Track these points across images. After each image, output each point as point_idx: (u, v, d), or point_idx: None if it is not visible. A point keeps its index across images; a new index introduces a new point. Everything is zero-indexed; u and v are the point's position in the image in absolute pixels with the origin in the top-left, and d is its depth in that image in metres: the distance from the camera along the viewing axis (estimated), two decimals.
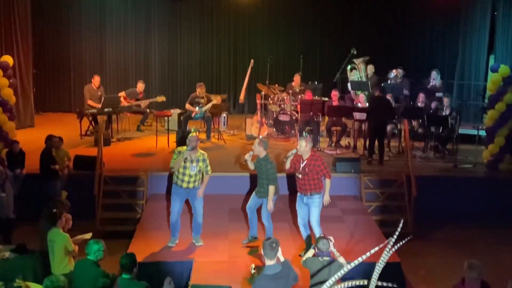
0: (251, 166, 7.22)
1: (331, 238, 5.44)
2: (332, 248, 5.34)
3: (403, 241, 3.25)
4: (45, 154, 8.69)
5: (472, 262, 4.84)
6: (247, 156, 7.04)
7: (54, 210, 6.04)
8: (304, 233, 7.21)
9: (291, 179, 8.58)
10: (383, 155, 10.21)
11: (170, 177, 9.09)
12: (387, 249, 3.14)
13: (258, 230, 7.53)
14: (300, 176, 6.90)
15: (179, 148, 7.14)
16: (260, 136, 7.19)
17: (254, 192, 7.32)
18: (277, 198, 7.19)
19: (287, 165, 7.05)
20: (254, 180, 8.10)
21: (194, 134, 7.18)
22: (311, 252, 5.46)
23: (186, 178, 7.02)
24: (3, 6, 11.74)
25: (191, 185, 7.06)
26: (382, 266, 3.10)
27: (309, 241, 6.95)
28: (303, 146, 6.80)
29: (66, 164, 9.06)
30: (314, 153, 6.96)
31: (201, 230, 7.44)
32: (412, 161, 9.25)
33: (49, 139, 8.82)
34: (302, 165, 6.84)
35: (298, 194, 7.06)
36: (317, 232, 6.92)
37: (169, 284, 4.73)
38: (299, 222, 7.16)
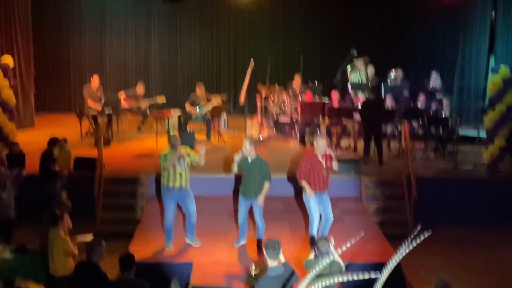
0: (235, 168, 7.10)
1: (331, 239, 5.43)
2: (332, 248, 5.34)
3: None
4: (46, 154, 8.68)
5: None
6: (237, 157, 6.98)
7: (56, 211, 6.05)
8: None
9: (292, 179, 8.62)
10: (382, 155, 10.20)
11: None
12: (400, 252, 3.02)
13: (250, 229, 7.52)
14: (325, 174, 7.00)
15: (163, 152, 7.18)
16: (246, 136, 7.14)
17: (243, 198, 7.16)
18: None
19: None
20: None
21: (175, 133, 7.28)
22: (312, 255, 5.47)
23: (178, 177, 7.09)
24: (3, 7, 11.74)
25: (183, 183, 7.11)
26: (390, 269, 2.99)
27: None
28: (323, 143, 6.92)
29: (67, 164, 9.06)
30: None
31: (195, 230, 7.42)
32: (412, 162, 9.24)
33: (54, 143, 8.78)
34: (324, 161, 6.93)
35: (316, 193, 6.99)
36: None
37: (175, 285, 4.74)
38: (317, 220, 7.13)
